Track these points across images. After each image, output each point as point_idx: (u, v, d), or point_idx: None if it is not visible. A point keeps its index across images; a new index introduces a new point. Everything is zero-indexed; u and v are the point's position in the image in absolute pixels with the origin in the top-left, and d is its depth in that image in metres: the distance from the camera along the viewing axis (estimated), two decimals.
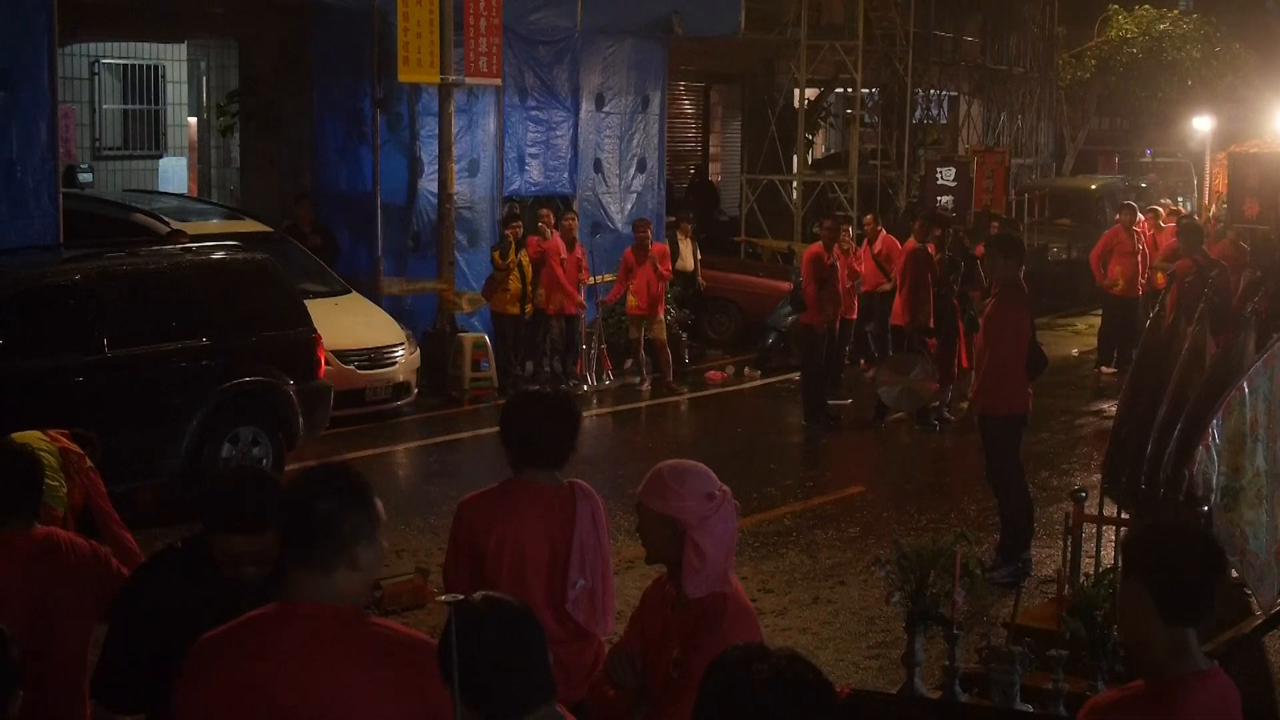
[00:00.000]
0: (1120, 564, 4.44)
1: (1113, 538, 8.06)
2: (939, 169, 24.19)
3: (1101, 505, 7.94)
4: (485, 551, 5.84)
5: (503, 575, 5.78)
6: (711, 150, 30.86)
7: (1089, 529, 8.25)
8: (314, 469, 4.37)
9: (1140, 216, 22.44)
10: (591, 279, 19.84)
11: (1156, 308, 8.62)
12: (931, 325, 17.71)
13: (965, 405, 17.65)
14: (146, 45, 24.06)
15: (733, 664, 3.33)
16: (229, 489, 5.01)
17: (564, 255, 19.14)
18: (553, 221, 19.56)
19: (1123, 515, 7.81)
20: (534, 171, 21.10)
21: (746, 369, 21.03)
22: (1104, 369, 21.21)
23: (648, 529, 5.02)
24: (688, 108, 30.03)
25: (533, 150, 21.02)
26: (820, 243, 18.02)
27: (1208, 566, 4.26)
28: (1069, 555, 7.38)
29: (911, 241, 18.24)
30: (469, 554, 5.91)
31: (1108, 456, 7.76)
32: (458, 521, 6.01)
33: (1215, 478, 7.43)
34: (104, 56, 23.80)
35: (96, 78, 23.87)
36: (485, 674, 3.75)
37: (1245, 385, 7.54)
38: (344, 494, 4.19)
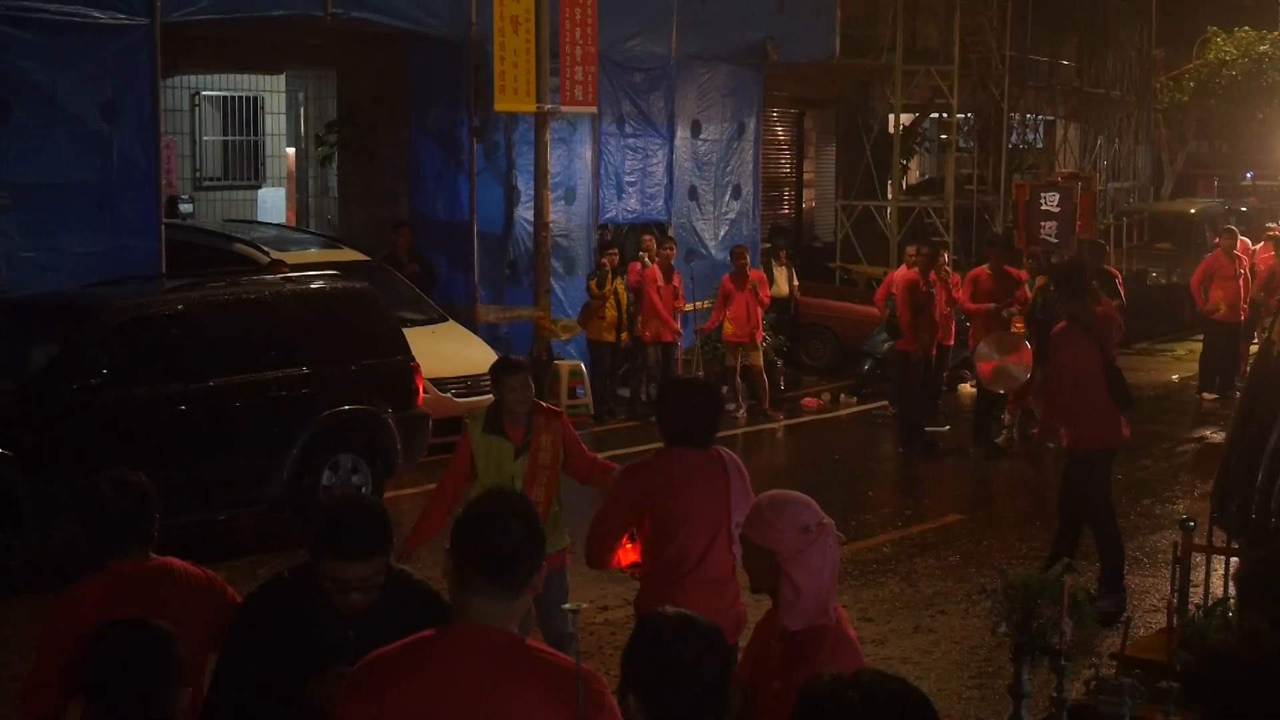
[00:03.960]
0: (1236, 596, 4.36)
1: (1221, 568, 7.93)
2: (1042, 194, 23.93)
3: (1210, 534, 7.81)
4: (656, 506, 6.89)
5: (675, 523, 6.84)
6: (806, 176, 30.76)
7: (1197, 559, 8.12)
8: (496, 496, 4.44)
9: (1242, 240, 22.16)
10: (689, 306, 19.83)
11: (1266, 334, 8.49)
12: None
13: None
14: (246, 77, 24.32)
15: (822, 693, 3.26)
16: (341, 516, 5.03)
17: (661, 284, 19.15)
18: (653, 248, 19.59)
19: (1232, 545, 7.68)
20: (630, 199, 21.16)
21: (843, 395, 20.97)
22: (1205, 395, 20.95)
23: (749, 559, 5.04)
24: (781, 134, 29.95)
25: (629, 178, 21.09)
26: (917, 269, 17.91)
27: None
28: (1177, 585, 7.26)
29: (904, 269, 18.48)
30: (634, 510, 6.99)
31: (1217, 485, 7.64)
32: (624, 484, 7.16)
33: None
34: (205, 89, 24.08)
35: (197, 109, 24.16)
36: (674, 694, 3.74)
37: None
38: (531, 522, 4.30)
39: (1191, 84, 38.44)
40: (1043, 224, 23.45)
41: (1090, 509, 11.46)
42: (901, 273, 18.56)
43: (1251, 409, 7.86)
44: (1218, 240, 22.14)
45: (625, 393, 19.59)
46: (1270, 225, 25.51)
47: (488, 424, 8.70)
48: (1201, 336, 22.13)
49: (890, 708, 3.19)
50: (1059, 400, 11.45)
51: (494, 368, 8.81)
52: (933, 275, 17.96)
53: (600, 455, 9.50)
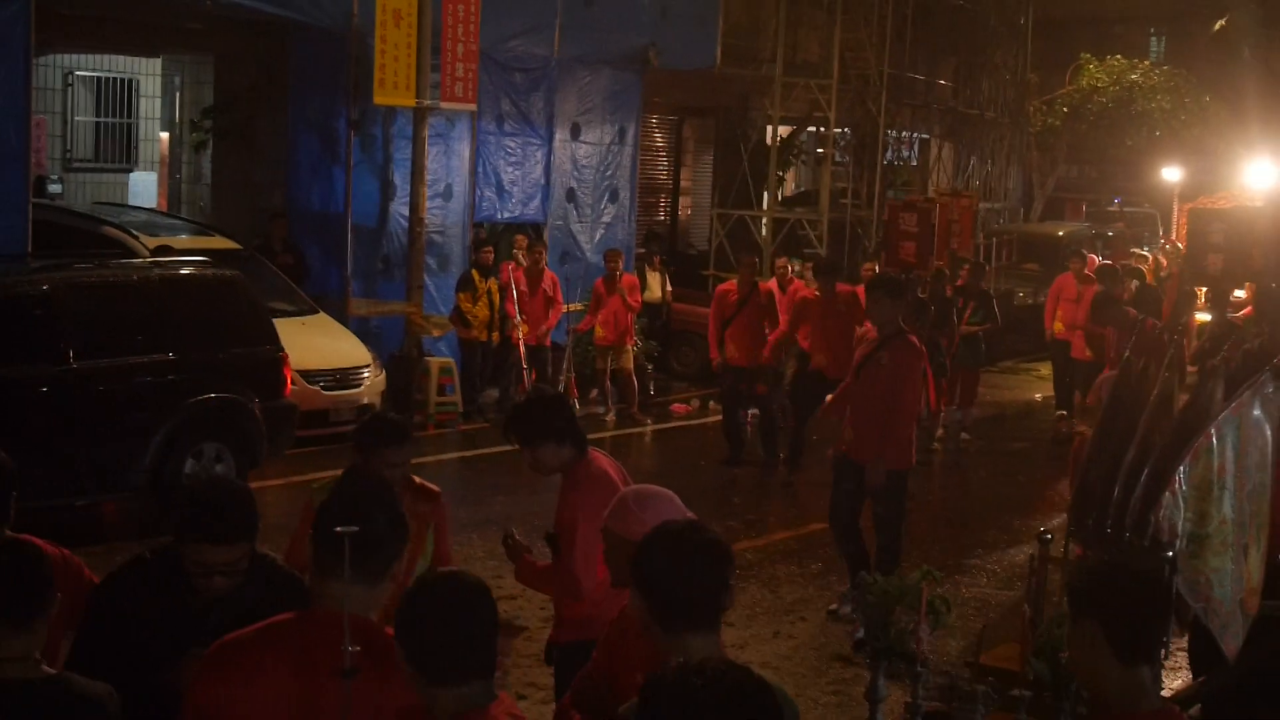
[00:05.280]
0: (1069, 606, 4.47)
1: None
2: (901, 214, 24.04)
3: (1067, 548, 7.96)
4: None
5: None
6: (683, 183, 30.90)
7: (1054, 571, 8.26)
8: (358, 484, 4.60)
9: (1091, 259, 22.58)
10: (565, 308, 19.84)
11: (1126, 353, 8.66)
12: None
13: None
14: (121, 58, 23.99)
15: (667, 680, 3.31)
16: (208, 500, 5.01)
17: (524, 288, 19.13)
18: (525, 247, 19.58)
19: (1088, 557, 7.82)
20: (507, 198, 21.11)
21: (711, 403, 21.04)
22: (1061, 414, 21.31)
23: (612, 553, 5.08)
24: (660, 140, 30.06)
25: (506, 177, 21.04)
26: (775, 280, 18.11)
27: (1156, 604, 4.30)
28: (1033, 597, 7.39)
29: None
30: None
31: (1074, 499, 7.78)
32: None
33: (1181, 524, 7.43)
34: (78, 69, 23.72)
35: (70, 89, 23.79)
36: (429, 640, 3.89)
37: (1214, 432, 7.56)
38: (392, 510, 4.39)
39: (1064, 109, 39.07)
40: (901, 244, 23.56)
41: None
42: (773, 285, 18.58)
43: (1110, 425, 8.00)
44: (1070, 263, 22.46)
45: (495, 392, 19.54)
46: (1134, 250, 26.03)
47: None
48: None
49: (732, 696, 3.24)
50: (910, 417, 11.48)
51: (370, 432, 6.75)
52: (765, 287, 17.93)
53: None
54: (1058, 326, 21.25)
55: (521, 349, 19.06)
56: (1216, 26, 31.06)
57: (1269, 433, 7.61)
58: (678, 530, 4.37)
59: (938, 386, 18.09)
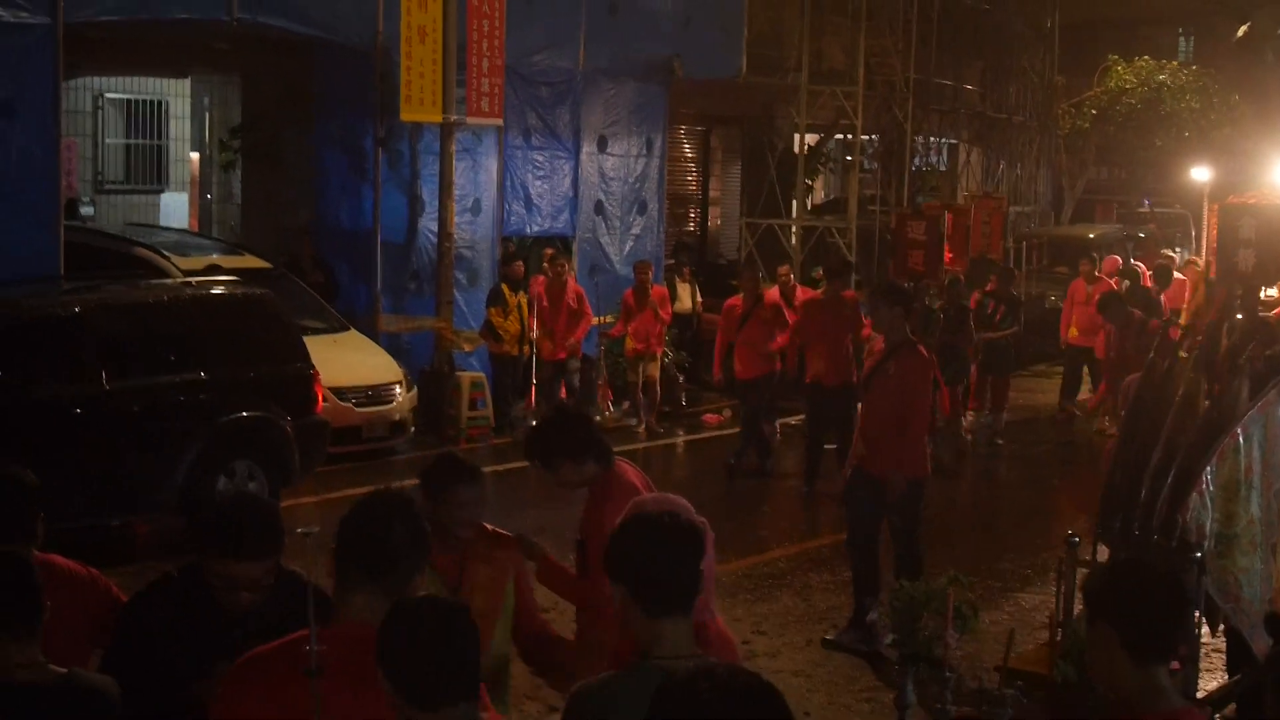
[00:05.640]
0: (1085, 608, 4.48)
1: None
2: (909, 222, 23.73)
3: (1095, 549, 7.96)
4: None
5: None
6: (711, 193, 30.92)
7: (1082, 573, 8.26)
8: (382, 497, 4.54)
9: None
10: (595, 320, 19.86)
11: (1151, 354, 8.67)
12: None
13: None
14: (151, 80, 24.15)
15: (676, 684, 3.33)
16: (234, 516, 5.06)
17: (546, 304, 19.13)
18: (550, 258, 19.64)
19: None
20: (535, 212, 21.17)
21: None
22: (1068, 406, 21.34)
23: None
24: (688, 150, 30.08)
25: (534, 191, 21.10)
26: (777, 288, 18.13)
27: (1171, 604, 4.30)
28: (1061, 600, 7.39)
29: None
30: None
31: (1101, 501, 7.78)
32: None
33: (1209, 524, 7.44)
34: (108, 91, 23.89)
35: (100, 111, 23.96)
36: (409, 664, 3.88)
37: (1239, 432, 7.57)
38: (415, 523, 4.42)
39: (1092, 111, 38.95)
40: (910, 253, 23.22)
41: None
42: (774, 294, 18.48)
43: (1135, 426, 8.01)
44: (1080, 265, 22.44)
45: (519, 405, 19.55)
46: (1165, 252, 25.90)
47: None
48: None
49: (740, 700, 3.26)
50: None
51: (439, 471, 6.13)
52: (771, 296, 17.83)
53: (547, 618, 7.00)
54: (1073, 332, 21.24)
55: (533, 363, 19.04)
56: (1240, 33, 30.99)
57: None
58: (654, 516, 4.54)
59: (953, 394, 18.09)
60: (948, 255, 23.11)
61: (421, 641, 3.87)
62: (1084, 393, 21.57)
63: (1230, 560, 7.54)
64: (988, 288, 20.14)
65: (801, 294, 18.69)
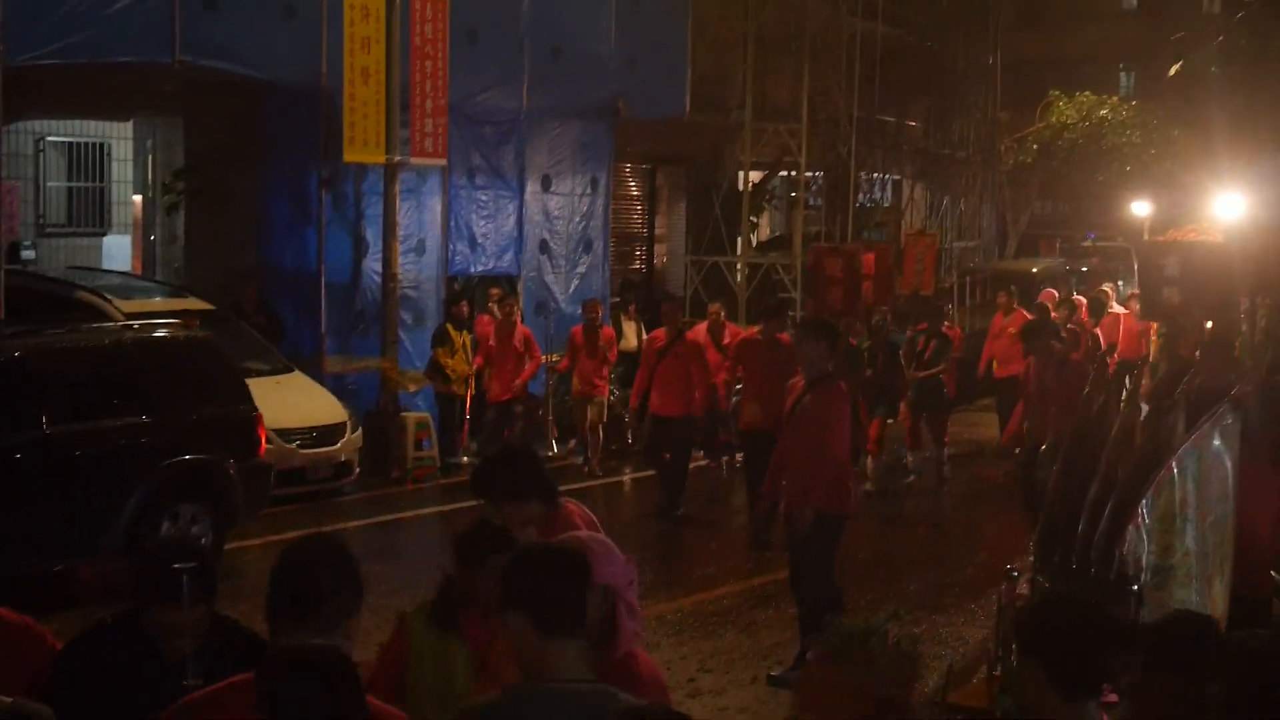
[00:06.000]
0: (1015, 643, 4.52)
1: None
2: (826, 259, 23.34)
3: (1033, 583, 8.02)
4: None
5: None
6: (657, 231, 30.99)
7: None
8: (310, 540, 4.59)
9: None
10: (543, 358, 19.84)
11: (1086, 390, 8.74)
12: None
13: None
14: (92, 123, 24.04)
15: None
16: (163, 563, 5.04)
17: (493, 342, 19.14)
18: (499, 299, 19.63)
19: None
20: (480, 251, 21.20)
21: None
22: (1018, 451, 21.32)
23: None
24: (634, 189, 30.15)
25: (479, 230, 21.12)
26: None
27: (1097, 638, 4.33)
28: (1000, 634, 7.44)
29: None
30: None
31: (1040, 535, 7.84)
32: None
33: (1146, 557, 7.51)
34: (49, 134, 23.77)
35: (41, 155, 23.83)
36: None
37: (1175, 465, 7.64)
38: (343, 565, 4.44)
39: (1035, 146, 39.32)
40: (828, 290, 22.87)
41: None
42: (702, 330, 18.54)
43: (1073, 460, 8.08)
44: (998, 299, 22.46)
45: (474, 446, 19.53)
46: (1103, 286, 26.01)
47: (437, 614, 5.83)
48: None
49: None
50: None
51: (474, 538, 5.82)
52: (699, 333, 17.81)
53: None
54: (994, 364, 21.31)
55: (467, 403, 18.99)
56: (1171, 72, 31.36)
57: (1229, 464, 7.68)
58: (541, 546, 4.89)
59: (881, 430, 18.25)
60: (870, 293, 22.77)
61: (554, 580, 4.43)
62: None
63: (1167, 592, 7.60)
64: (919, 325, 20.15)
65: (731, 333, 18.66)
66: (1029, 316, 20.71)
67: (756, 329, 16.94)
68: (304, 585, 4.28)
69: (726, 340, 18.18)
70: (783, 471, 11.17)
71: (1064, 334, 19.13)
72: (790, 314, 20.27)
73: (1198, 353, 13.08)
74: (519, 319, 19.59)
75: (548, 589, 4.45)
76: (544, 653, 4.37)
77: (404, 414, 18.83)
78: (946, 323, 21.06)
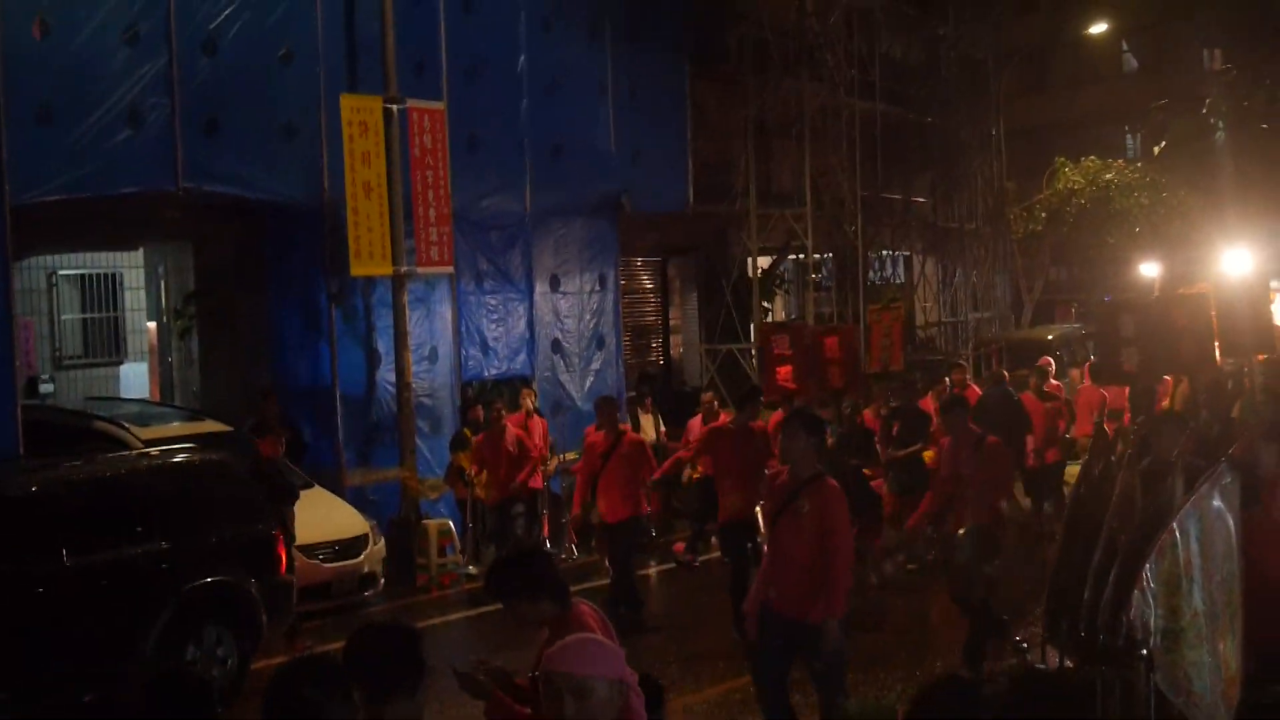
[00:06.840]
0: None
1: None
2: (772, 337, 22.26)
3: (1044, 653, 8.02)
4: None
5: None
6: (672, 322, 31.12)
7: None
8: (301, 660, 4.74)
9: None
10: (555, 458, 19.86)
11: (1085, 456, 8.76)
12: None
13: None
14: (103, 254, 24.29)
15: None
16: (164, 695, 5.10)
17: (486, 452, 18.49)
18: (527, 401, 19.59)
19: (1066, 663, 7.88)
20: (492, 355, 21.32)
21: (714, 539, 20.95)
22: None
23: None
24: (646, 282, 30.32)
25: (490, 334, 21.25)
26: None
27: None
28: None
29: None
30: None
31: (1047, 605, 7.85)
32: None
33: (1153, 621, 7.51)
34: (61, 268, 24.02)
35: (55, 288, 24.07)
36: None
37: (1176, 528, 7.65)
38: (327, 684, 4.56)
39: (1043, 214, 39.36)
40: (776, 369, 21.94)
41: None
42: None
43: (1076, 528, 8.10)
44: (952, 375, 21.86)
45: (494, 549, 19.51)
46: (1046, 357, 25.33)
47: None
48: None
49: None
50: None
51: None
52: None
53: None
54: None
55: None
56: (1156, 151, 31.58)
57: (1231, 522, 7.69)
58: (380, 624, 5.57)
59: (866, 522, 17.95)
60: (836, 378, 21.78)
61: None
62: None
63: (1178, 654, 7.59)
64: (893, 404, 19.69)
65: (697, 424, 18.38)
66: (979, 391, 20.41)
67: (728, 418, 16.51)
68: (288, 705, 4.33)
69: (701, 432, 17.73)
70: (772, 584, 10.15)
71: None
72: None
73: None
74: (510, 422, 18.74)
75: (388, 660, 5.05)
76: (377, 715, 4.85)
77: (426, 521, 18.88)
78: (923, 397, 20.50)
